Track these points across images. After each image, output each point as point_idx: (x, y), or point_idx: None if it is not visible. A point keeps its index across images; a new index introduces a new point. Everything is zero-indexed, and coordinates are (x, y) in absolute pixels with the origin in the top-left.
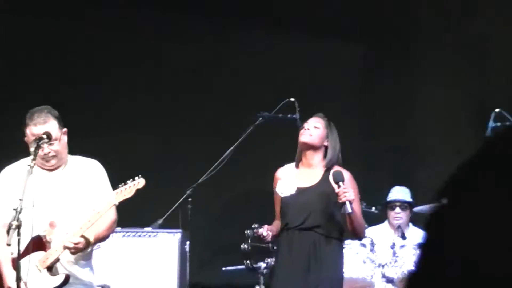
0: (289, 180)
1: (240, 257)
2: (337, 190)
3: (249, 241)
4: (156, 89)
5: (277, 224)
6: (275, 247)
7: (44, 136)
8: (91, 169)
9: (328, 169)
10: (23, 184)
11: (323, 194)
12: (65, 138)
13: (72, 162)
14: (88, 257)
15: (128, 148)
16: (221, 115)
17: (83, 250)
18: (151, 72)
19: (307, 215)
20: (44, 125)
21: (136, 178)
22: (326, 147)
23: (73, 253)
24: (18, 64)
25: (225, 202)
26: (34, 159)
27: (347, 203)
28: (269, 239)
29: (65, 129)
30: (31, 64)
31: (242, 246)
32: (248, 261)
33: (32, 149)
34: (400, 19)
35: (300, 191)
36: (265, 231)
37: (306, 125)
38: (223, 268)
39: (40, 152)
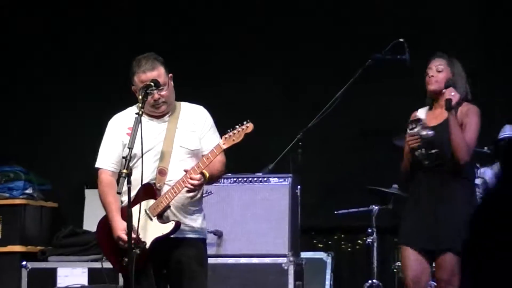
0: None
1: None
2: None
3: None
4: (267, 32)
5: (405, 165)
6: (395, 188)
7: (152, 83)
8: (198, 115)
9: (458, 104)
10: (132, 132)
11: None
12: (171, 83)
13: (179, 108)
14: (198, 204)
15: (237, 93)
16: (331, 58)
17: (200, 188)
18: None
19: (436, 154)
20: (152, 71)
21: (245, 122)
22: None
23: (190, 191)
24: None
25: (335, 146)
26: (142, 107)
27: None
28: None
29: (171, 74)
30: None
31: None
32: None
33: (140, 97)
34: None
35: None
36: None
37: (429, 72)
38: (335, 212)
39: (150, 99)
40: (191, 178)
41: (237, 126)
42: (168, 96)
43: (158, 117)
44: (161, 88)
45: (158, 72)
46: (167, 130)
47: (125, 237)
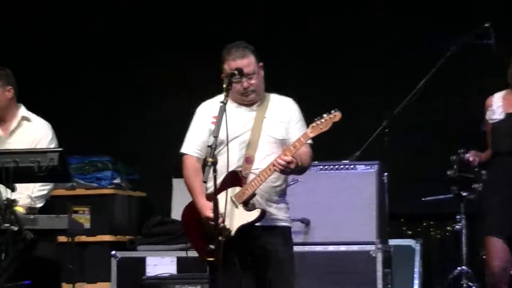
0: (498, 106)
1: (446, 183)
2: None
3: (454, 166)
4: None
5: (487, 152)
6: (483, 174)
7: (236, 72)
8: (287, 106)
9: None
10: (217, 121)
11: None
12: (261, 72)
13: (268, 99)
14: (282, 194)
15: (321, 80)
16: (411, 46)
17: (291, 169)
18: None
19: None
20: (243, 59)
21: (332, 111)
22: None
23: (281, 171)
24: None
25: (421, 132)
26: (226, 96)
27: None
28: (475, 163)
29: (261, 63)
30: None
31: (448, 172)
32: (454, 187)
33: (224, 85)
34: None
35: (508, 115)
36: (472, 156)
37: None
38: (423, 199)
39: (239, 87)
40: (281, 159)
41: (325, 115)
42: (258, 85)
43: (247, 105)
44: (250, 76)
45: (248, 60)
46: (255, 119)
47: (213, 216)
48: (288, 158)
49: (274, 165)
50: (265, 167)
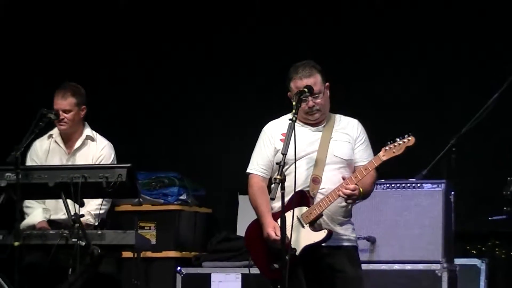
0: None
1: (504, 202)
2: None
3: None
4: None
5: None
6: None
7: (306, 89)
8: (353, 127)
9: None
10: (285, 138)
11: None
12: (327, 92)
13: (334, 119)
14: (348, 214)
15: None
16: (479, 64)
17: (356, 200)
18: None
19: None
20: (309, 78)
21: (406, 136)
22: None
23: (347, 201)
24: None
25: (490, 151)
26: (296, 113)
27: None
28: None
29: (327, 83)
30: None
31: (503, 191)
32: (509, 208)
33: (294, 103)
34: None
35: None
36: None
37: None
38: (489, 218)
39: (304, 106)
40: (346, 188)
41: (398, 139)
42: (323, 104)
43: (313, 125)
44: (316, 95)
45: (315, 80)
46: (321, 139)
47: (274, 235)
48: (352, 186)
49: (338, 191)
50: (334, 188)
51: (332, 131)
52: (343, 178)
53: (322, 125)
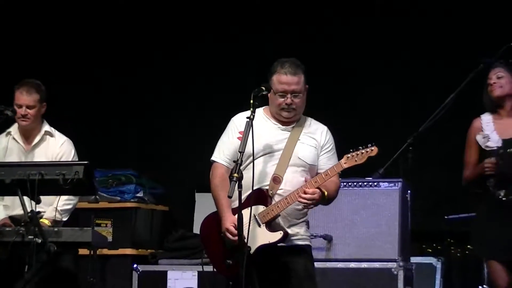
0: (491, 132)
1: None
2: None
3: None
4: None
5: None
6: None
7: (263, 88)
8: (321, 133)
9: None
10: (243, 136)
11: None
12: (305, 95)
13: (305, 122)
14: (304, 216)
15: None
16: (438, 64)
17: (317, 203)
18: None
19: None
20: (294, 76)
21: (369, 145)
22: None
23: (305, 206)
24: None
25: (446, 151)
26: (253, 111)
27: None
28: None
29: (307, 86)
30: None
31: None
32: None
33: (251, 101)
34: None
35: (507, 142)
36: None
37: (490, 80)
38: (446, 217)
39: (282, 102)
40: (304, 192)
41: (361, 148)
42: (300, 106)
43: (283, 123)
44: (296, 94)
45: (299, 79)
46: (288, 139)
47: (233, 230)
48: (310, 191)
49: (297, 194)
50: (293, 191)
51: (301, 133)
52: (305, 180)
53: (292, 126)
